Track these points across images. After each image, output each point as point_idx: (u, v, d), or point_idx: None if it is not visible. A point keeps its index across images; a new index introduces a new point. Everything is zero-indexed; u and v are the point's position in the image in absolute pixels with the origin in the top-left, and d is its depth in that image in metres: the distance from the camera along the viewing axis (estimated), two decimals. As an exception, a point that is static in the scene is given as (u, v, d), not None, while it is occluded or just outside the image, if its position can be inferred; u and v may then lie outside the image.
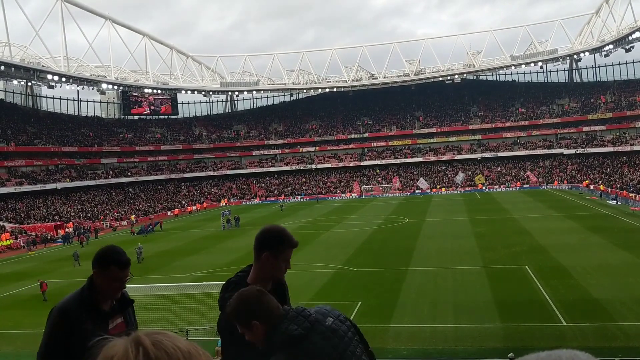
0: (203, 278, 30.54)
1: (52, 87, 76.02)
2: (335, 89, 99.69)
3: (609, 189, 65.24)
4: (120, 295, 3.53)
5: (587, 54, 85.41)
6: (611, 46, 77.58)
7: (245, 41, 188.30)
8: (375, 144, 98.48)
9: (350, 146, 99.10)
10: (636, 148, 76.71)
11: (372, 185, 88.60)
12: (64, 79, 74.20)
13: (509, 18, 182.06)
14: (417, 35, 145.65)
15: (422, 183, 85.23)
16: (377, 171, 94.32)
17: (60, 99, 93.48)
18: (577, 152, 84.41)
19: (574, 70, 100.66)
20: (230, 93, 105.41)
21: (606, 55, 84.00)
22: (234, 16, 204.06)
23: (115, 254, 3.39)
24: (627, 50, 77.87)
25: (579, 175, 79.34)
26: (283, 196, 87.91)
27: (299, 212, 67.89)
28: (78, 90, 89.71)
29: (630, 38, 71.81)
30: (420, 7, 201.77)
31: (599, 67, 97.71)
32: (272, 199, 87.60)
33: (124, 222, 67.21)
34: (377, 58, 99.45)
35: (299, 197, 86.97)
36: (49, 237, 54.18)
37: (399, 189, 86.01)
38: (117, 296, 3.49)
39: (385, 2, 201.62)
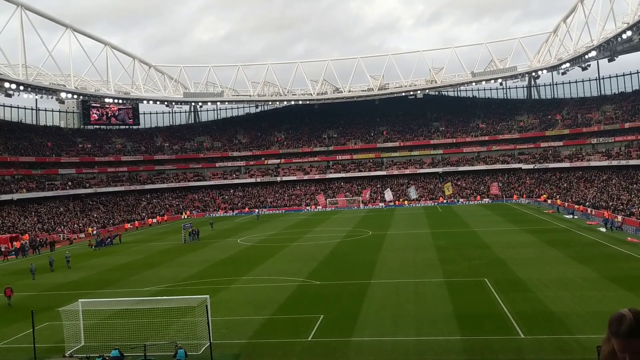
0: (163, 292, 30.02)
1: (9, 95, 73.75)
2: (300, 102, 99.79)
3: (566, 204, 66.86)
4: None
5: (544, 71, 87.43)
6: (568, 64, 79.55)
7: (236, 53, 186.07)
8: (340, 157, 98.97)
9: (316, 159, 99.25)
10: (592, 164, 78.90)
11: (336, 198, 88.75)
12: (21, 88, 72.10)
13: (495, 34, 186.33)
14: (403, 49, 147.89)
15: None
16: (342, 184, 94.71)
17: (18, 107, 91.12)
18: (535, 167, 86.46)
19: (532, 88, 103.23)
20: (193, 104, 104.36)
21: (563, 73, 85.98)
22: (229, 27, 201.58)
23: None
24: (584, 69, 79.87)
25: (537, 190, 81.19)
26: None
27: (256, 226, 67.51)
28: (36, 99, 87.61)
29: (586, 57, 73.66)
30: (410, 23, 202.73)
31: (556, 84, 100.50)
32: (237, 211, 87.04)
33: (82, 235, 65.64)
34: (343, 72, 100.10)
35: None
36: (2, 250, 52.43)
37: (363, 202, 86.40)
38: None
39: (378, 18, 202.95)
